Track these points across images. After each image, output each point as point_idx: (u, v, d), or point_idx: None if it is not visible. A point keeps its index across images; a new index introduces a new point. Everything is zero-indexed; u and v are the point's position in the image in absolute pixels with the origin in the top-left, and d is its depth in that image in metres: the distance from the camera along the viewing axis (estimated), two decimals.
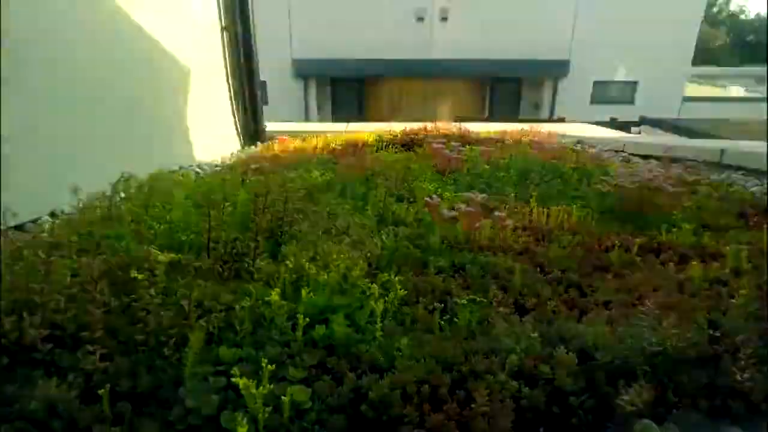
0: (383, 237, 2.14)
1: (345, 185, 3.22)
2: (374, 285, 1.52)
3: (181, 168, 3.66)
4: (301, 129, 6.82)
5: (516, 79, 19.38)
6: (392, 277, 1.64)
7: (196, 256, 1.78)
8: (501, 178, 3.57)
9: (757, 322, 1.48)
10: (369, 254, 1.89)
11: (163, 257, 1.53)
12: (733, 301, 1.64)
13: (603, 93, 18.54)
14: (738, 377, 1.23)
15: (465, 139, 5.11)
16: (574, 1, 17.31)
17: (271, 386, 1.05)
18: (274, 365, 1.10)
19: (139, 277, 1.35)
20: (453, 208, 2.43)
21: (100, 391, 1.05)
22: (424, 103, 18.78)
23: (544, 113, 18.81)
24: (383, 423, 1.12)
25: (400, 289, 1.56)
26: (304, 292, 1.51)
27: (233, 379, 1.05)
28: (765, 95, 18.35)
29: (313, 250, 1.82)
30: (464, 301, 1.50)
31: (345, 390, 1.18)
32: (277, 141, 5.37)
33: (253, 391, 1.02)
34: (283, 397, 1.05)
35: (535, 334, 1.38)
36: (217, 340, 1.36)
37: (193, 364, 1.20)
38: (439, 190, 3.17)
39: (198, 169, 4.01)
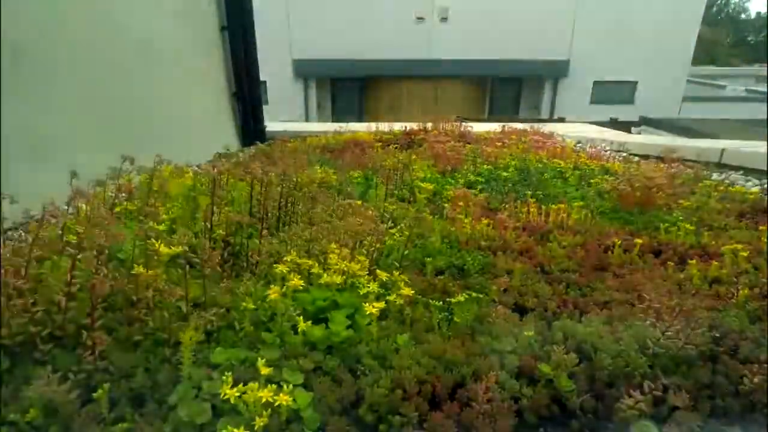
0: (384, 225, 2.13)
1: (344, 184, 3.22)
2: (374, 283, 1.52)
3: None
4: (301, 129, 6.81)
5: (516, 79, 19.36)
6: (395, 275, 1.64)
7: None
8: (501, 178, 3.56)
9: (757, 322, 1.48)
10: (373, 249, 1.89)
11: (164, 251, 1.53)
12: (733, 300, 1.64)
13: (603, 93, 18.53)
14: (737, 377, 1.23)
15: (465, 139, 5.11)
16: (574, 1, 17.29)
17: (266, 395, 1.01)
18: (270, 369, 1.09)
19: (141, 273, 1.34)
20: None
21: (96, 394, 1.05)
22: (424, 103, 18.76)
23: (544, 113, 18.79)
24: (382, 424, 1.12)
25: (404, 287, 1.55)
26: (304, 296, 1.51)
27: (221, 389, 1.02)
28: (765, 95, 18.34)
29: (310, 250, 1.81)
30: (461, 299, 1.49)
31: (345, 392, 1.18)
32: (277, 141, 5.37)
33: (247, 399, 1.00)
34: (280, 403, 1.03)
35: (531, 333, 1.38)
36: (216, 340, 1.35)
37: (187, 366, 1.19)
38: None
39: (198, 168, 4.01)
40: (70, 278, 1.24)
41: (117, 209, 2.19)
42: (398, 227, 2.25)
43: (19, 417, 1.04)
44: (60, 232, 1.48)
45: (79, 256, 1.25)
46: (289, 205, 2.19)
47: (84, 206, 1.94)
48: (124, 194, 2.32)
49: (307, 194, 2.32)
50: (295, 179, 2.35)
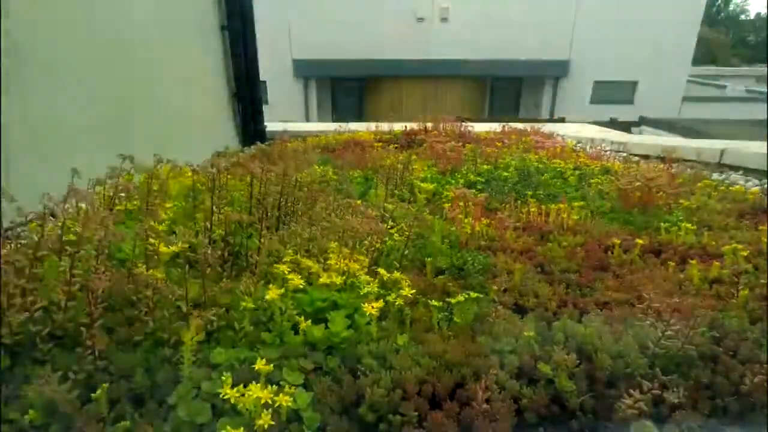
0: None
1: (345, 184, 3.22)
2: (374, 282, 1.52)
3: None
4: (301, 129, 6.81)
5: (516, 79, 19.36)
6: (396, 275, 1.64)
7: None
8: (501, 178, 3.56)
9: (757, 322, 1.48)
10: (373, 249, 1.89)
11: (164, 250, 1.53)
12: (733, 300, 1.64)
13: (603, 93, 18.53)
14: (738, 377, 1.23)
15: (465, 139, 5.11)
16: (574, 1, 17.30)
17: (265, 396, 1.00)
18: (270, 367, 1.08)
19: (141, 273, 1.35)
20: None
21: (94, 395, 1.05)
22: (424, 103, 18.76)
23: (544, 113, 18.79)
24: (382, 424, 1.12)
25: (406, 286, 1.55)
26: (303, 297, 1.50)
27: (221, 390, 1.01)
28: (765, 95, 18.34)
29: (310, 247, 1.81)
30: (461, 299, 1.49)
31: (345, 392, 1.18)
32: (277, 141, 5.37)
33: (247, 399, 0.99)
34: (280, 403, 1.02)
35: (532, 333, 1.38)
36: (216, 340, 1.35)
37: (187, 366, 1.18)
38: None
39: (197, 167, 4.01)
40: (69, 277, 1.24)
41: (117, 208, 2.19)
42: (398, 227, 2.25)
43: (18, 417, 1.04)
44: (59, 231, 1.48)
45: (78, 254, 1.25)
46: (289, 204, 2.19)
47: (84, 206, 1.93)
48: (123, 194, 2.32)
49: (307, 193, 2.32)
50: (295, 178, 2.35)
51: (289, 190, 2.17)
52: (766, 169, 3.73)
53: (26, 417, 1.03)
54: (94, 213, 1.36)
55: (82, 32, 3.03)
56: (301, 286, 1.47)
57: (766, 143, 4.23)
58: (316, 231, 1.87)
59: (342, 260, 1.70)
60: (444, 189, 3.21)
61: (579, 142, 5.64)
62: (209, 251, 1.37)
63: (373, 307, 1.38)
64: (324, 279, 1.58)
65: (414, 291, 1.57)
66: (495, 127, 6.08)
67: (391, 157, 3.77)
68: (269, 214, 2.06)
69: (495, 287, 1.74)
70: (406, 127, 5.75)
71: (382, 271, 1.67)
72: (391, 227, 2.27)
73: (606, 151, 5.16)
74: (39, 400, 1.04)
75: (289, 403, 1.03)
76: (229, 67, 5.44)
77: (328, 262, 1.70)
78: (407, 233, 2.03)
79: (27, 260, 1.26)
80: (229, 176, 2.46)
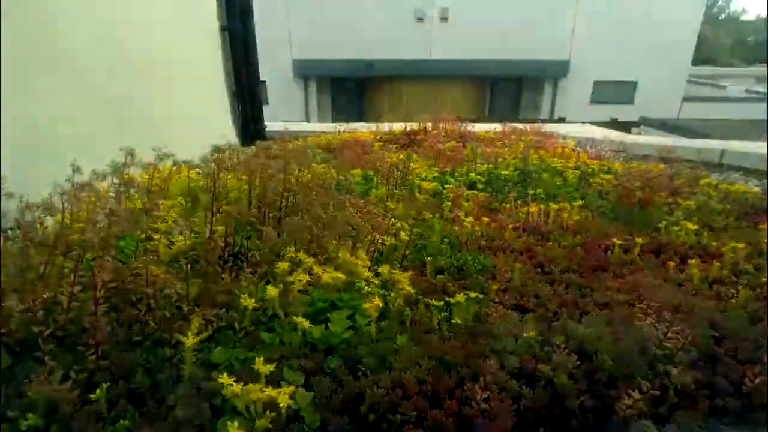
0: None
1: (344, 184, 3.22)
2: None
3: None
4: (301, 129, 6.81)
5: (516, 79, 19.36)
6: (396, 273, 1.63)
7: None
8: (501, 177, 3.56)
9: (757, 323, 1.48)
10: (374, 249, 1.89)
11: (163, 250, 1.53)
12: (733, 301, 1.64)
13: (603, 93, 18.53)
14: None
15: (465, 139, 5.11)
16: (574, 1, 17.30)
17: (265, 396, 0.99)
18: (271, 366, 1.08)
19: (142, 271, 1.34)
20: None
21: (93, 395, 1.05)
22: (424, 103, 18.77)
23: (545, 113, 18.79)
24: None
25: (407, 285, 1.55)
26: (304, 297, 1.50)
27: (224, 391, 1.01)
28: (765, 95, 18.34)
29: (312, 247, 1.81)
30: (461, 299, 1.49)
31: (345, 392, 1.18)
32: (277, 140, 5.36)
33: (246, 398, 0.99)
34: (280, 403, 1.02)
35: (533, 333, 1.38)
36: (216, 340, 1.35)
37: (188, 366, 1.18)
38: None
39: (198, 169, 4.01)
40: (74, 279, 1.24)
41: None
42: (399, 224, 2.25)
43: (18, 414, 1.04)
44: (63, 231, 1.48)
45: (84, 254, 1.25)
46: (290, 204, 2.19)
47: (90, 200, 1.93)
48: (123, 193, 2.31)
49: (308, 192, 2.32)
50: (296, 174, 2.35)
51: (290, 187, 2.17)
52: (766, 169, 3.73)
53: (25, 423, 1.03)
54: (104, 203, 1.36)
55: (82, 32, 3.03)
56: (302, 288, 1.47)
57: (766, 143, 4.23)
58: (317, 230, 1.87)
59: (344, 261, 1.70)
60: (444, 189, 3.21)
61: (579, 142, 5.63)
62: (212, 246, 1.36)
63: (372, 307, 1.38)
64: (326, 278, 1.58)
65: (414, 290, 1.57)
66: (495, 127, 6.08)
67: (392, 157, 3.76)
68: (271, 214, 2.06)
69: (495, 287, 1.74)
70: (406, 126, 5.74)
71: (384, 269, 1.66)
72: (393, 224, 2.26)
73: (606, 151, 5.16)
74: (39, 400, 1.04)
75: (290, 403, 1.03)
76: (229, 67, 5.44)
77: (336, 261, 1.70)
78: (408, 232, 2.03)
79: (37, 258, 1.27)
80: (229, 175, 2.46)
